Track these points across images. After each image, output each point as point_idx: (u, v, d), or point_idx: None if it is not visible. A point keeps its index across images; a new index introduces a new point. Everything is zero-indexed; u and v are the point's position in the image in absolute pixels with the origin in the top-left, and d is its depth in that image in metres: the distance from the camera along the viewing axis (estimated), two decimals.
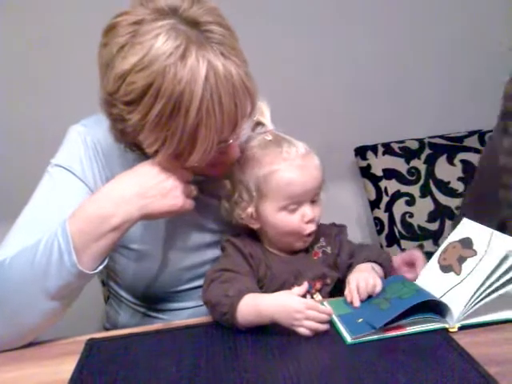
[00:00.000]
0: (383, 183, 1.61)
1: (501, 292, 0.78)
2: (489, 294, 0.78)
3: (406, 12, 1.60)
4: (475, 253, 0.81)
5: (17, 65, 1.48)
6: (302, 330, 0.78)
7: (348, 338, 0.76)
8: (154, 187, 0.80)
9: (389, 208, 1.60)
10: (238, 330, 0.81)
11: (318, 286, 0.91)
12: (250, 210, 0.90)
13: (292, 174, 0.87)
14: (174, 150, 0.78)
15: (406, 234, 1.59)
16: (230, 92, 0.76)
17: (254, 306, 0.79)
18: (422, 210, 1.59)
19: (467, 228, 0.86)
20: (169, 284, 0.95)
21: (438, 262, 0.88)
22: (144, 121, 0.76)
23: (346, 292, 0.86)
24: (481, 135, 1.66)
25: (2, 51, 1.46)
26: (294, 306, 0.78)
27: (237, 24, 1.32)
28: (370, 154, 1.63)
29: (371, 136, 1.62)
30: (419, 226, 1.59)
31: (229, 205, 0.94)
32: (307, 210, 0.88)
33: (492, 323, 0.78)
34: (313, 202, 0.90)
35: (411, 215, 1.59)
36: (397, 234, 1.59)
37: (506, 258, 0.77)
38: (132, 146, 0.85)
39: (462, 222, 0.88)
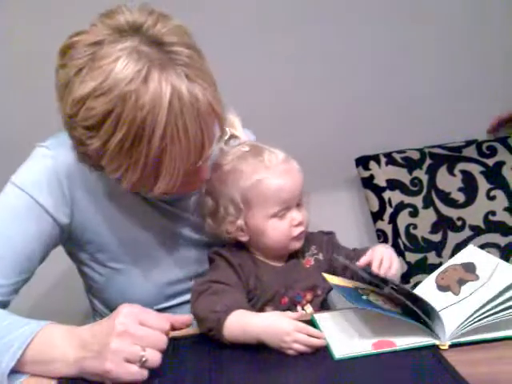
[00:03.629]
0: (387, 194, 1.57)
1: (501, 318, 0.75)
2: (487, 317, 0.75)
3: (405, 23, 1.57)
4: (477, 278, 0.80)
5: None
6: (291, 352, 0.76)
7: (336, 354, 0.75)
8: (97, 342, 0.70)
9: (393, 219, 1.57)
10: (224, 343, 0.79)
11: (309, 297, 0.91)
12: (240, 222, 0.89)
13: (278, 181, 0.87)
14: (138, 178, 0.75)
15: (411, 246, 1.56)
16: (196, 117, 0.72)
17: (242, 324, 0.78)
18: (425, 221, 1.56)
19: (472, 254, 0.85)
20: (148, 301, 0.90)
21: (436, 282, 0.86)
22: (105, 148, 0.73)
23: (365, 258, 0.85)
24: (478, 145, 1.62)
25: None
26: (284, 327, 0.76)
27: (234, 33, 1.36)
28: (372, 164, 1.59)
29: (368, 146, 1.59)
30: (423, 238, 1.56)
31: (213, 221, 0.93)
32: (295, 214, 0.89)
33: (485, 341, 0.75)
34: (298, 205, 0.90)
35: (415, 227, 1.56)
36: (401, 246, 1.56)
37: (510, 287, 0.75)
38: (96, 166, 0.81)
39: (468, 247, 0.87)
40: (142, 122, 0.70)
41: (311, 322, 0.83)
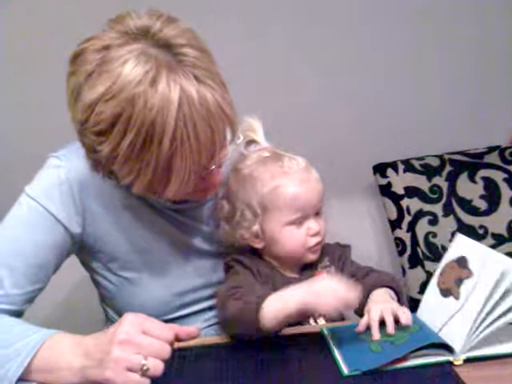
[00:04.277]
0: (405, 202, 1.52)
1: (504, 320, 0.73)
2: (491, 323, 0.73)
3: (425, 28, 1.54)
4: (471, 273, 0.77)
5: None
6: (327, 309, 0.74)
7: (345, 370, 0.73)
8: (99, 350, 0.70)
9: (411, 228, 1.53)
10: (229, 354, 0.78)
11: None
12: (256, 227, 0.89)
13: (297, 188, 0.87)
14: (149, 181, 0.75)
15: (430, 255, 1.51)
16: (206, 118, 0.72)
17: (281, 298, 0.77)
18: (445, 229, 1.51)
19: (462, 245, 0.82)
20: (158, 311, 0.92)
21: (438, 286, 0.83)
22: (115, 152, 0.73)
23: (364, 321, 0.80)
24: (501, 151, 1.58)
25: None
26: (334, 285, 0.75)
27: (247, 37, 1.37)
28: (390, 172, 1.54)
29: (386, 153, 1.55)
30: (443, 246, 1.51)
31: (229, 226, 0.92)
32: (312, 224, 0.88)
33: (500, 356, 0.73)
34: (316, 214, 0.90)
35: (434, 235, 1.52)
36: (420, 254, 1.52)
37: (501, 279, 0.72)
38: (109, 174, 0.81)
39: (456, 238, 0.84)
40: (152, 124, 0.70)
41: (320, 335, 0.81)
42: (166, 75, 0.70)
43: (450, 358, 0.73)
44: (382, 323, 0.79)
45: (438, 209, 1.52)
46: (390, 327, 0.76)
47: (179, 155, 0.72)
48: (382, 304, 0.80)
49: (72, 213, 0.87)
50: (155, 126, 0.70)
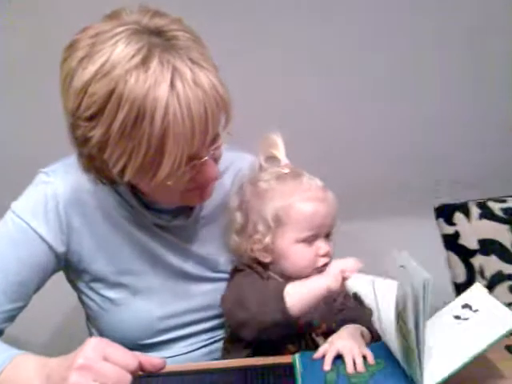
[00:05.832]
0: (478, 260, 1.27)
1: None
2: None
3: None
4: (371, 311, 0.79)
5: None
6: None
7: None
8: (58, 374, 0.70)
9: None
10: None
11: (324, 327, 0.92)
12: (267, 240, 0.93)
13: (314, 206, 0.92)
14: (141, 164, 0.77)
15: None
16: (200, 98, 0.75)
17: (302, 284, 0.84)
18: None
19: (353, 282, 0.84)
20: (140, 334, 0.95)
21: None
22: (107, 135, 0.75)
23: (322, 349, 0.83)
24: None
25: None
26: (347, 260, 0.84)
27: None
28: (458, 218, 1.29)
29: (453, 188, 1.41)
30: None
31: (239, 238, 0.97)
32: (322, 244, 0.93)
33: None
34: (327, 236, 0.94)
35: None
36: None
37: (398, 304, 0.73)
38: (101, 174, 0.84)
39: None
40: (143, 100, 0.73)
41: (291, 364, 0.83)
42: (159, 55, 0.74)
43: None
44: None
45: None
46: (349, 368, 0.78)
47: (171, 134, 0.74)
48: (346, 341, 0.83)
49: (57, 231, 0.90)
50: (147, 101, 0.73)
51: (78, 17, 1.15)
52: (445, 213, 1.32)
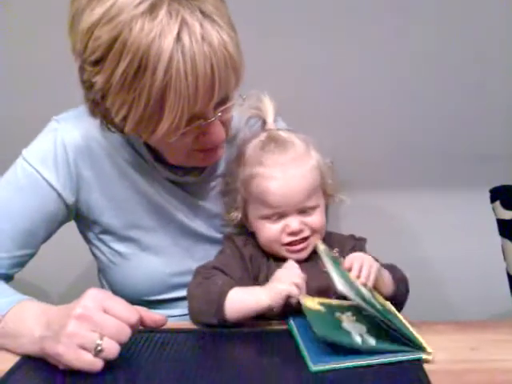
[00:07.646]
0: None
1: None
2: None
3: None
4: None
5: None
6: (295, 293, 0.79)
7: (312, 366, 0.71)
8: (58, 322, 0.71)
9: None
10: (193, 346, 0.79)
11: None
12: (241, 211, 0.91)
13: (268, 183, 0.86)
14: (140, 116, 0.75)
15: None
16: (206, 54, 0.72)
17: (246, 290, 0.81)
18: None
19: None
20: (150, 289, 0.95)
21: None
22: (109, 83, 0.73)
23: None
24: None
25: None
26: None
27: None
28: None
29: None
30: None
31: (225, 204, 0.95)
32: (292, 221, 0.87)
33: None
34: (303, 212, 0.87)
35: None
36: None
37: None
38: (106, 121, 0.82)
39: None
40: (147, 50, 0.70)
41: (288, 329, 0.81)
42: (168, 3, 0.71)
43: (423, 356, 0.72)
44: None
45: None
46: (363, 275, 0.80)
47: (173, 89, 0.72)
48: (363, 255, 0.84)
49: (66, 179, 0.89)
50: (150, 52, 0.70)
51: None
52: (503, 195, 1.10)
